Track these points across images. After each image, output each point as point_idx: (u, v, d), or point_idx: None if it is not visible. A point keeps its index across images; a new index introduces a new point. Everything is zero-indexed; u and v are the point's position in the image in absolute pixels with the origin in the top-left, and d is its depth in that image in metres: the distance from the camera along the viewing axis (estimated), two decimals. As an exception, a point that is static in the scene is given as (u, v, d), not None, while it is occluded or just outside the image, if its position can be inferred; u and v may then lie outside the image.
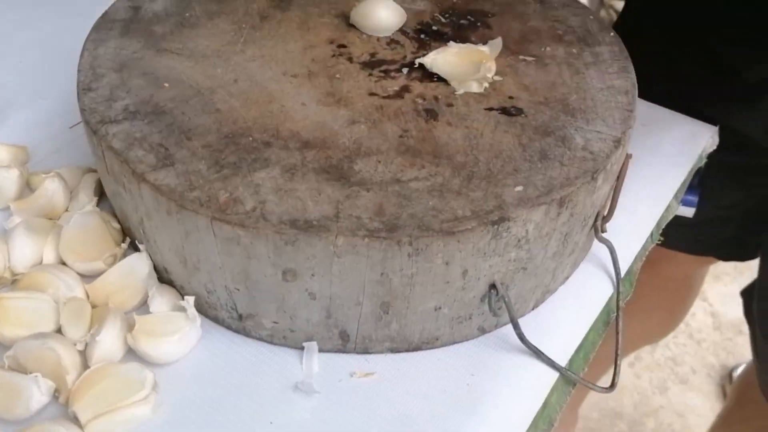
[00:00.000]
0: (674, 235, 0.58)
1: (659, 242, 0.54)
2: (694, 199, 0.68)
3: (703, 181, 0.63)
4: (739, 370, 1.42)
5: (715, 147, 0.60)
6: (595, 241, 0.47)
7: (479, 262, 0.39)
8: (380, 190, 0.39)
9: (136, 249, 0.45)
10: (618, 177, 0.45)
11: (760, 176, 0.73)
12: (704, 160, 0.59)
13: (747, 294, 0.83)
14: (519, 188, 0.39)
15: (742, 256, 0.84)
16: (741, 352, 1.47)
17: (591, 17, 0.52)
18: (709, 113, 0.64)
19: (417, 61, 0.47)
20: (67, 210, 0.48)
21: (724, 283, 1.60)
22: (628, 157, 0.45)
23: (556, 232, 0.41)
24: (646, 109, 0.60)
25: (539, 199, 0.38)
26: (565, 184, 0.39)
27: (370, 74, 0.47)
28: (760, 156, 0.70)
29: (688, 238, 0.82)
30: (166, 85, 0.45)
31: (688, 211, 0.68)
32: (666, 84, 0.66)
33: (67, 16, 0.67)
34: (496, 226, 0.37)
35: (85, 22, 0.50)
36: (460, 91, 0.45)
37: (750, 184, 0.76)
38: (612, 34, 0.51)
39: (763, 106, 0.63)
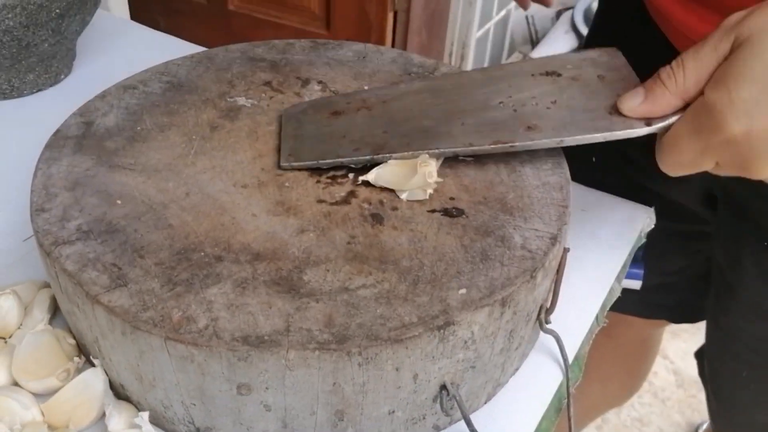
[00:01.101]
0: (625, 302, 0.60)
1: (606, 317, 0.57)
2: (640, 272, 0.71)
3: (646, 252, 0.66)
4: (704, 427, 1.44)
5: (652, 226, 0.63)
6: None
7: (428, 366, 0.40)
8: (329, 300, 0.40)
9: (92, 363, 0.45)
10: (557, 271, 0.47)
11: (701, 242, 0.76)
12: (643, 240, 0.62)
13: (700, 355, 0.86)
14: (462, 291, 0.41)
15: (692, 319, 0.88)
16: (705, 408, 1.49)
17: (525, 115, 0.55)
18: (646, 184, 0.68)
19: (360, 179, 0.48)
20: (20, 327, 0.48)
21: (684, 339, 1.63)
22: (566, 251, 0.47)
23: (501, 330, 0.42)
24: (584, 194, 0.63)
25: (482, 301, 0.40)
26: (506, 284, 0.41)
27: (318, 181, 0.49)
28: (697, 223, 0.74)
29: (638, 304, 0.85)
30: (119, 201, 0.46)
31: (635, 284, 0.71)
32: (601, 163, 0.69)
33: (23, 127, 0.68)
34: (442, 331, 0.39)
35: (41, 134, 0.52)
36: (404, 195, 0.48)
37: (692, 249, 0.79)
38: (545, 130, 0.54)
39: (692, 177, 0.67)
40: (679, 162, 0.43)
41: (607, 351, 0.97)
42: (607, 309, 0.56)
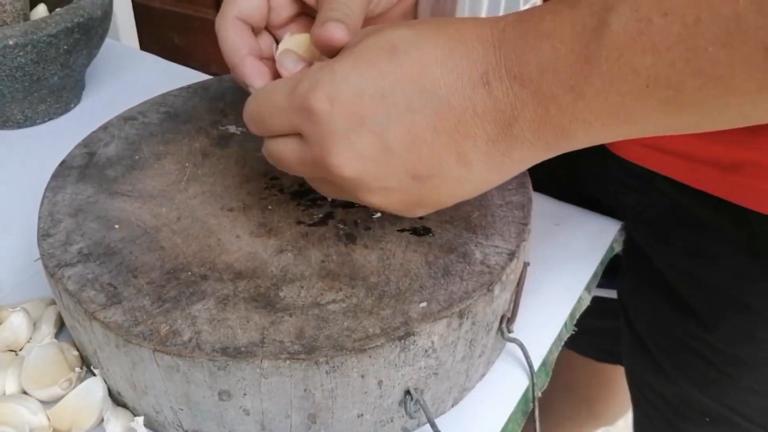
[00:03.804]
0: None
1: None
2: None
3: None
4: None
5: (623, 238, 0.66)
6: (508, 339, 0.52)
7: (392, 373, 0.44)
8: (302, 315, 0.44)
9: (93, 373, 0.50)
10: (518, 284, 0.51)
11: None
12: (614, 252, 0.66)
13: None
14: (423, 304, 0.45)
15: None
16: None
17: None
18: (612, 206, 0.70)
19: None
20: (29, 341, 0.53)
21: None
22: (526, 265, 0.51)
23: (461, 340, 0.46)
24: (558, 209, 0.67)
25: (441, 313, 0.44)
26: (464, 297, 0.45)
27: (299, 204, 0.53)
28: None
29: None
30: (117, 226, 0.51)
31: (611, 293, 0.74)
32: (573, 183, 0.72)
33: (36, 154, 0.74)
34: (403, 341, 0.43)
35: (52, 161, 0.57)
36: (377, 215, 0.52)
37: None
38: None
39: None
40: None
41: (593, 373, 0.99)
42: (576, 317, 0.60)
